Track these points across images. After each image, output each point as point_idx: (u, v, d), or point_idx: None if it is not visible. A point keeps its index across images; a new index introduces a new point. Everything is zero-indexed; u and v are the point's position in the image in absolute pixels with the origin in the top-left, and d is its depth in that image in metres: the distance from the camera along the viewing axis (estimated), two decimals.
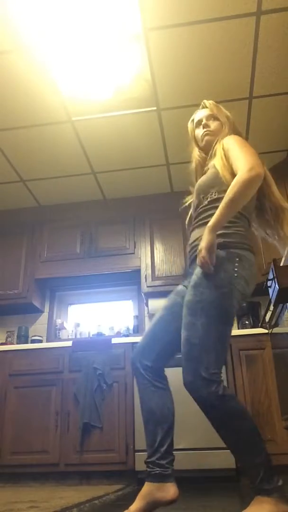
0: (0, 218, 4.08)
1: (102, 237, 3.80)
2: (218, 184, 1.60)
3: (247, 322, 3.48)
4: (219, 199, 1.53)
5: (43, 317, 4.01)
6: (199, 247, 1.45)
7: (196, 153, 1.86)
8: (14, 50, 2.52)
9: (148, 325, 1.60)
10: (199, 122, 1.81)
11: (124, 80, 2.77)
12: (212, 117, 1.79)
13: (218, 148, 1.66)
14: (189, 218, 1.82)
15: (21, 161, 3.49)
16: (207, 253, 1.42)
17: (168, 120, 3.10)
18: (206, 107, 1.83)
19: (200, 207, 1.66)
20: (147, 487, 1.42)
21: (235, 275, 1.50)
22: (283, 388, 2.49)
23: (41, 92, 2.82)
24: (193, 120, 1.86)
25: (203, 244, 1.43)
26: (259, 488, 1.32)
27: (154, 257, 3.65)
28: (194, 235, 1.63)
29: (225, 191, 1.49)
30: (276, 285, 2.12)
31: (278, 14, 2.38)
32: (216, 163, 1.62)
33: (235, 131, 1.77)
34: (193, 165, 1.87)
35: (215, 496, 2.09)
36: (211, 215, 1.49)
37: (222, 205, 1.44)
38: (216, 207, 1.48)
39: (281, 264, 2.29)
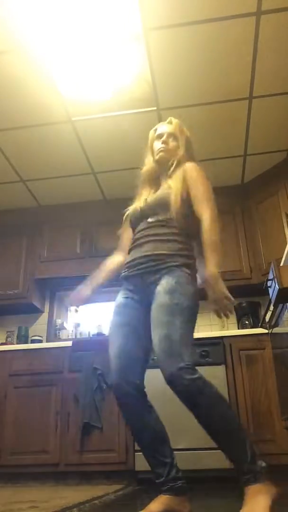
0: (0, 218, 4.08)
1: (102, 237, 3.79)
2: (168, 205, 1.71)
3: (247, 322, 3.48)
4: (169, 220, 1.71)
5: (43, 317, 4.01)
6: (220, 294, 1.60)
7: (149, 161, 1.94)
8: (14, 50, 2.52)
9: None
10: (159, 136, 1.89)
11: (124, 80, 2.77)
12: (173, 136, 1.88)
13: (179, 172, 1.78)
14: (130, 221, 1.88)
15: (21, 161, 3.49)
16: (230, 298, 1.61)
17: None
18: (171, 124, 1.92)
19: (152, 222, 1.75)
20: (168, 500, 1.43)
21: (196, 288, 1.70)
22: (283, 388, 2.49)
23: (41, 92, 2.82)
24: (155, 130, 1.95)
25: (226, 293, 1.59)
26: (247, 477, 1.36)
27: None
28: (148, 248, 1.68)
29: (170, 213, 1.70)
30: (276, 285, 2.13)
31: (278, 14, 2.38)
32: (173, 185, 1.74)
33: (190, 155, 1.88)
34: (145, 169, 1.94)
35: (215, 496, 2.09)
36: (166, 234, 1.68)
37: (214, 250, 1.61)
38: (165, 226, 1.70)
39: (281, 264, 2.30)
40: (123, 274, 1.75)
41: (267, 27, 2.44)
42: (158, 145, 1.88)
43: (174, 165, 1.82)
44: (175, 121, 1.94)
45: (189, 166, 1.80)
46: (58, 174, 3.64)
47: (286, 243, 2.90)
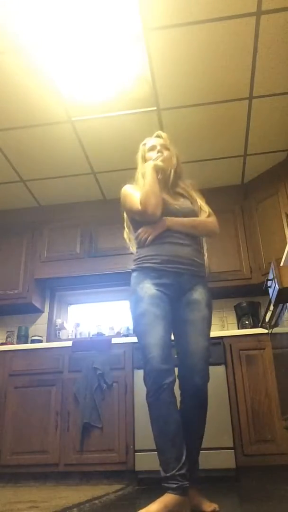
0: (0, 218, 4.08)
1: (102, 237, 3.80)
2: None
3: (247, 322, 3.48)
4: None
5: (43, 317, 4.01)
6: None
7: (142, 171, 1.99)
8: (14, 50, 2.52)
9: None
10: (153, 148, 2.02)
11: (124, 80, 2.77)
12: (165, 147, 2.02)
13: (188, 186, 2.03)
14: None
15: (21, 161, 3.49)
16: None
17: (168, 120, 3.10)
18: (161, 137, 2.07)
19: None
20: (174, 499, 1.46)
21: None
22: (283, 388, 2.49)
23: (41, 92, 2.82)
24: (144, 144, 2.07)
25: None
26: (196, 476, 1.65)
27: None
28: (189, 251, 1.83)
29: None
30: (276, 285, 2.12)
31: (278, 14, 2.38)
32: (199, 206, 1.97)
33: (180, 166, 2.05)
34: (139, 176, 2.00)
35: (215, 496, 2.09)
36: (198, 244, 1.90)
37: (194, 221, 1.87)
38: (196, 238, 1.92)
39: (281, 264, 2.29)
40: (153, 264, 1.77)
41: (267, 27, 2.44)
42: (153, 154, 1.99)
43: (172, 176, 1.97)
44: (164, 134, 2.10)
45: (196, 186, 2.07)
46: (58, 174, 3.64)
47: (286, 243, 2.90)
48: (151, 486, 2.61)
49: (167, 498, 1.45)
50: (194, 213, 1.91)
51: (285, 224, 3.32)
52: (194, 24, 2.41)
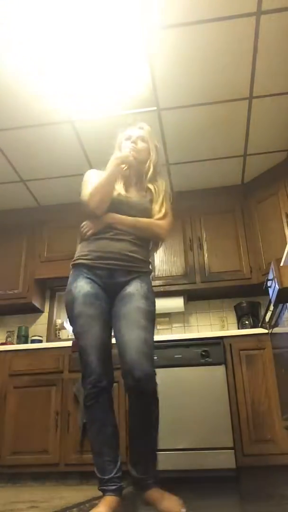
0: (0, 218, 4.08)
1: None
2: (148, 216, 1.84)
3: (247, 322, 3.48)
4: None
5: (43, 317, 4.01)
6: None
7: None
8: (14, 49, 2.52)
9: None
10: (128, 137, 1.95)
11: (124, 80, 2.77)
12: (142, 139, 1.94)
13: (160, 187, 1.92)
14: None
15: (21, 161, 3.49)
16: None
17: (168, 120, 3.10)
18: (142, 129, 1.98)
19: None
20: (116, 501, 1.49)
21: None
22: (283, 388, 2.49)
23: (40, 92, 2.82)
24: (123, 132, 2.01)
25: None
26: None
27: (154, 257, 3.65)
28: (124, 247, 1.74)
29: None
30: (276, 285, 2.12)
31: (278, 14, 2.38)
32: (155, 200, 1.87)
33: (160, 162, 2.00)
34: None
35: (215, 496, 2.09)
36: (141, 239, 1.79)
37: (142, 222, 1.79)
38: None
39: (281, 264, 2.29)
40: (86, 261, 1.74)
41: (267, 27, 2.44)
42: (127, 144, 1.92)
43: (151, 170, 1.91)
44: (146, 127, 2.02)
45: (166, 185, 1.96)
46: (58, 174, 3.64)
47: (286, 243, 2.90)
48: None
49: (110, 500, 1.48)
50: (147, 212, 1.84)
51: (285, 224, 3.33)
52: (194, 24, 2.41)
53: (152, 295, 1.75)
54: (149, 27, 2.42)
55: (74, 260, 1.79)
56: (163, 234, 1.84)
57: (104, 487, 1.52)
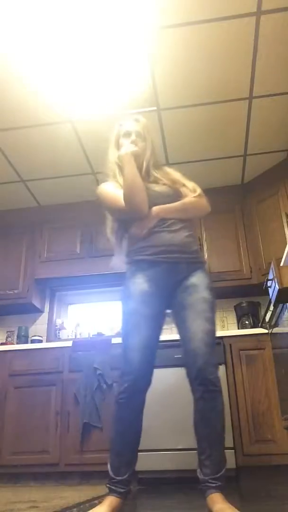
0: (0, 218, 4.08)
1: (102, 237, 3.77)
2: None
3: (247, 322, 3.48)
4: None
5: (43, 317, 4.01)
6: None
7: (114, 156, 1.90)
8: (14, 49, 2.52)
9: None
10: (127, 134, 1.88)
11: (124, 80, 2.77)
12: (140, 136, 1.88)
13: (164, 171, 1.92)
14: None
15: (21, 161, 3.49)
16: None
17: (168, 120, 3.10)
18: (139, 123, 1.91)
19: None
20: (119, 503, 1.49)
21: None
22: (283, 388, 2.49)
23: (41, 92, 2.82)
24: (120, 125, 1.93)
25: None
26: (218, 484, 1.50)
27: None
28: (178, 238, 1.72)
29: None
30: (276, 285, 2.13)
31: (278, 14, 2.38)
32: (176, 179, 1.89)
33: (155, 159, 1.93)
34: (112, 166, 1.90)
35: None
36: (187, 227, 1.78)
37: (184, 204, 1.79)
38: (181, 221, 1.78)
39: (281, 264, 2.30)
40: (149, 257, 1.69)
41: (267, 27, 2.44)
42: (127, 142, 1.85)
43: (144, 167, 1.84)
44: (143, 120, 1.95)
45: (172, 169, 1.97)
46: (58, 174, 3.64)
47: (286, 243, 2.90)
48: (151, 486, 2.61)
49: (114, 502, 1.47)
50: (176, 195, 1.81)
51: (285, 224, 3.32)
52: (194, 24, 2.41)
53: (212, 285, 1.72)
54: (149, 27, 2.42)
55: (132, 256, 1.74)
56: (208, 208, 1.86)
57: (112, 487, 1.52)
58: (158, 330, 1.67)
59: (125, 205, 1.71)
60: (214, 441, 1.52)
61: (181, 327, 1.63)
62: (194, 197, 1.81)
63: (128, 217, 1.76)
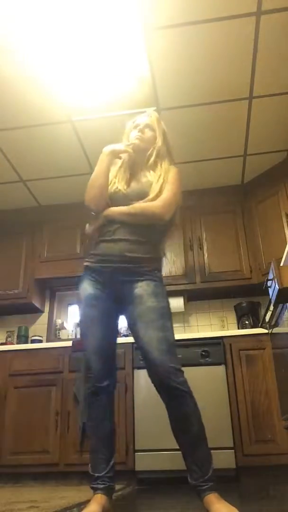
0: (0, 218, 4.08)
1: None
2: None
3: (247, 322, 3.48)
4: None
5: (43, 317, 4.01)
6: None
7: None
8: (14, 49, 2.52)
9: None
10: (136, 126, 1.94)
11: (124, 80, 2.77)
12: (150, 127, 1.92)
13: (160, 171, 1.84)
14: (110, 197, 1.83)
15: (21, 161, 3.49)
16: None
17: (168, 120, 3.07)
18: (149, 117, 1.97)
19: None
20: (105, 500, 1.51)
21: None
22: (283, 388, 2.49)
23: (41, 92, 2.82)
24: (133, 121, 2.00)
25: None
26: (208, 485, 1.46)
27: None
28: (123, 247, 1.70)
29: None
30: (276, 285, 2.13)
31: (278, 14, 2.38)
32: (153, 184, 1.79)
33: (168, 150, 1.95)
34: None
35: None
36: (142, 233, 1.72)
37: (133, 208, 1.72)
38: (141, 224, 1.73)
39: (281, 264, 2.30)
40: (91, 264, 1.75)
41: (267, 27, 2.44)
42: (134, 133, 1.91)
43: (153, 156, 1.86)
44: (153, 113, 2.00)
45: (174, 170, 1.87)
46: (58, 174, 3.64)
47: (286, 243, 2.90)
48: (151, 486, 2.61)
49: (101, 499, 1.50)
50: (143, 198, 1.76)
51: (285, 224, 3.33)
52: (194, 24, 2.41)
53: (162, 289, 1.70)
54: (149, 27, 2.42)
55: (85, 262, 1.80)
56: (157, 213, 1.72)
57: (94, 485, 1.56)
58: (110, 330, 1.72)
59: (85, 198, 1.81)
60: (193, 444, 1.52)
61: (136, 340, 1.65)
62: (145, 201, 1.74)
63: (89, 211, 1.83)
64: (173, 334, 1.62)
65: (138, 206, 1.73)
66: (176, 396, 1.51)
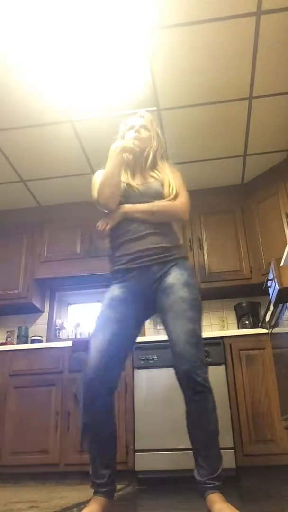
0: (0, 218, 4.08)
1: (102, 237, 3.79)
2: (162, 197, 1.79)
3: (247, 322, 3.48)
4: None
5: (43, 317, 4.01)
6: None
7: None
8: (14, 50, 2.52)
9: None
10: (131, 127, 1.94)
11: (124, 80, 2.77)
12: (145, 127, 1.93)
13: (164, 166, 1.89)
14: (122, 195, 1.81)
15: (21, 161, 3.49)
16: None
17: (168, 120, 3.10)
18: (143, 118, 1.97)
19: None
20: (104, 502, 1.49)
21: None
22: (283, 388, 2.49)
23: (41, 92, 2.82)
24: (126, 123, 1.99)
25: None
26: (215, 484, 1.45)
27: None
28: (151, 240, 1.70)
29: None
30: (276, 285, 2.13)
31: (278, 14, 2.38)
32: (165, 179, 1.83)
33: (163, 151, 1.97)
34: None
35: None
36: (164, 226, 1.75)
37: (153, 206, 1.74)
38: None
39: (281, 264, 2.30)
40: (122, 266, 1.71)
41: (267, 27, 2.44)
42: (130, 134, 1.91)
43: (151, 156, 1.88)
44: (146, 114, 2.01)
45: (178, 172, 1.92)
46: (58, 174, 3.64)
47: (286, 243, 2.90)
48: (151, 486, 2.61)
49: (101, 500, 1.49)
50: (160, 195, 1.78)
51: (285, 224, 3.33)
52: (194, 24, 2.41)
53: (194, 280, 1.70)
54: (149, 27, 2.42)
55: (112, 266, 1.78)
56: (180, 213, 1.78)
57: (95, 488, 1.54)
58: (123, 335, 1.63)
59: (96, 195, 1.76)
60: (208, 441, 1.50)
61: (166, 330, 1.62)
62: (167, 200, 1.76)
63: (100, 209, 1.79)
64: (201, 328, 1.60)
65: (161, 204, 1.75)
66: (199, 392, 1.48)
